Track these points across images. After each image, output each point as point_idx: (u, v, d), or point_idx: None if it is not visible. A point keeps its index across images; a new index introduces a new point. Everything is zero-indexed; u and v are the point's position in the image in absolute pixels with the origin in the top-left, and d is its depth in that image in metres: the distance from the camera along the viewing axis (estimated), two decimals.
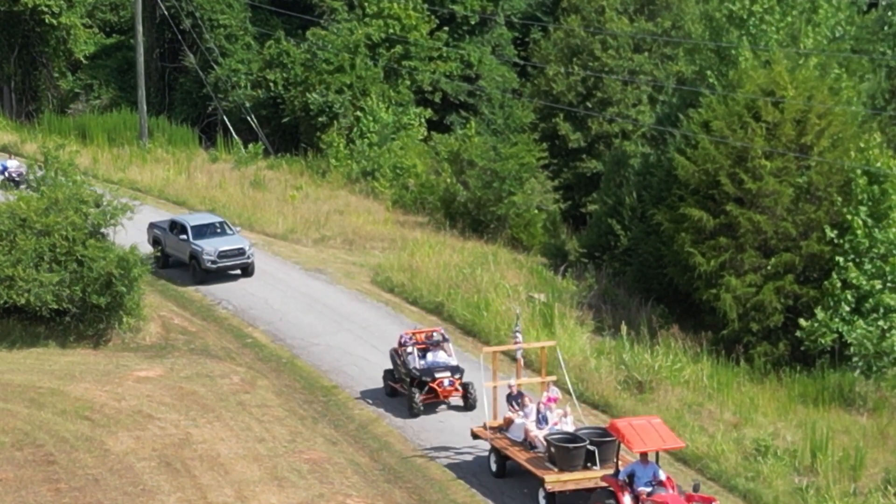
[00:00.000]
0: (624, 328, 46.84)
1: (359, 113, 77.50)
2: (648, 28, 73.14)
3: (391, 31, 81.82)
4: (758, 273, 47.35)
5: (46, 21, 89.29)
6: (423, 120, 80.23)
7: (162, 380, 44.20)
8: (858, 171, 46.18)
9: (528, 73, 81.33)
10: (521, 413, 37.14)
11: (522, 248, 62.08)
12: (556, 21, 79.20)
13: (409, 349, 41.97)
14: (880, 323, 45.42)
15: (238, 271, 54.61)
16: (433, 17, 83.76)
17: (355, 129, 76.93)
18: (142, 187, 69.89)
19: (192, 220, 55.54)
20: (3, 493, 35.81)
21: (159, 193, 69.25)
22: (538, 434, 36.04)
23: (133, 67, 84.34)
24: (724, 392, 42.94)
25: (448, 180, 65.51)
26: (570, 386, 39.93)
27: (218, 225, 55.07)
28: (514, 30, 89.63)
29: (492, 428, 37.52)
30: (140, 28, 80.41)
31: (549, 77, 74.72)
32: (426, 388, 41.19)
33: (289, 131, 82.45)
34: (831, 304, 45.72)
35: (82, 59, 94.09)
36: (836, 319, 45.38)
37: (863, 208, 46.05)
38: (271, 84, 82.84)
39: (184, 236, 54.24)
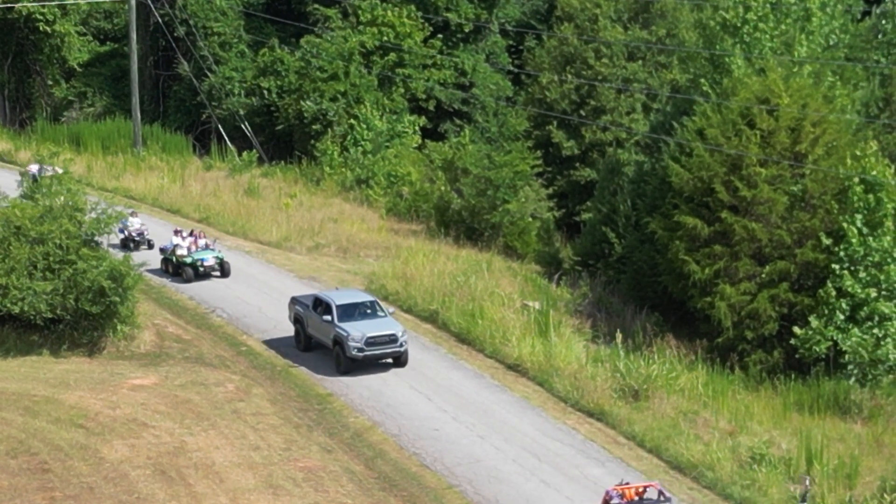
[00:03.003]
0: (619, 336, 46.87)
1: (353, 121, 77.52)
2: (643, 36, 73.24)
3: (385, 38, 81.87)
4: (752, 281, 47.40)
5: (40, 29, 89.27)
6: (417, 128, 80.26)
7: (156, 388, 44.14)
8: (855, 180, 46.25)
9: (522, 81, 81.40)
10: None
11: (517, 256, 62.10)
12: (550, 29, 79.24)
13: None
14: (875, 331, 45.48)
15: (389, 360, 46.48)
16: (427, 24, 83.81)
17: (349, 137, 76.94)
18: (136, 195, 69.89)
19: (338, 297, 47.18)
20: None
21: (153, 201, 69.23)
22: None
23: (127, 75, 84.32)
24: (719, 400, 42.98)
25: (442, 188, 65.54)
26: None
27: (368, 305, 47.06)
28: (508, 38, 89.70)
29: None
30: (134, 36, 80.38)
31: (543, 85, 74.76)
32: None
33: (283, 139, 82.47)
34: (826, 312, 45.76)
35: (76, 66, 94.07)
36: (831, 327, 45.43)
37: (858, 216, 46.11)
38: (265, 92, 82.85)
39: (328, 317, 46.13)
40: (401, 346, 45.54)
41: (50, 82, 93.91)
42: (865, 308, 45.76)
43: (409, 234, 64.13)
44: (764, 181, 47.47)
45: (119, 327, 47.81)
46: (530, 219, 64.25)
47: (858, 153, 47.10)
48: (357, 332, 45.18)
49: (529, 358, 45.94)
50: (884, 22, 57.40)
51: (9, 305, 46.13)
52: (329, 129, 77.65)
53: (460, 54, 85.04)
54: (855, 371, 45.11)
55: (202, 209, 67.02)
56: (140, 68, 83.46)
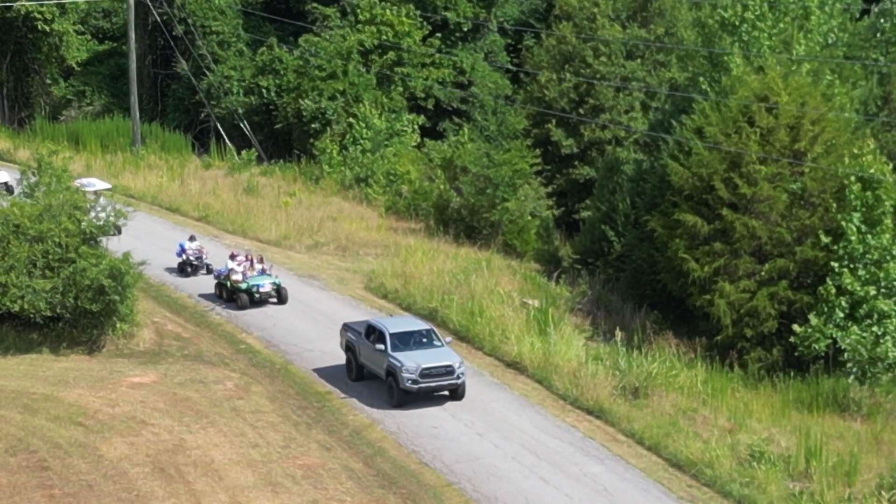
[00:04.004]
0: (618, 334, 46.88)
1: (351, 119, 77.53)
2: (641, 35, 73.26)
3: (384, 37, 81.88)
4: (752, 279, 47.40)
5: (39, 27, 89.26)
6: (415, 126, 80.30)
7: (156, 386, 44.14)
8: (852, 178, 46.24)
9: (520, 79, 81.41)
10: None
11: (516, 255, 62.09)
12: (548, 28, 79.25)
13: None
14: (874, 329, 45.49)
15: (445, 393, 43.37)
16: (426, 23, 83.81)
17: (348, 136, 76.96)
18: (135, 194, 69.88)
19: (391, 325, 44.30)
20: None
21: (153, 200, 69.23)
22: None
23: (125, 74, 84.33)
24: (718, 398, 43.00)
25: (441, 187, 65.53)
26: None
27: (424, 333, 44.15)
28: (506, 36, 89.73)
29: None
30: (132, 35, 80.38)
31: (541, 83, 74.79)
32: None
33: (282, 138, 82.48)
34: (825, 309, 45.76)
35: (75, 65, 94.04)
36: (830, 325, 45.43)
37: (856, 214, 46.12)
38: (264, 90, 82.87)
39: (381, 346, 43.10)
40: (458, 378, 42.47)
41: (49, 81, 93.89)
42: (864, 306, 45.77)
43: (409, 232, 64.14)
44: (763, 179, 47.47)
45: (118, 325, 47.84)
46: (529, 217, 64.24)
47: (856, 151, 47.12)
48: (411, 362, 42.15)
49: (528, 356, 45.95)
50: (882, 20, 57.46)
51: (8, 304, 46.15)
52: (328, 128, 77.68)
53: (459, 53, 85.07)
54: (854, 369, 45.12)
55: (201, 208, 67.05)
56: (139, 67, 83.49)
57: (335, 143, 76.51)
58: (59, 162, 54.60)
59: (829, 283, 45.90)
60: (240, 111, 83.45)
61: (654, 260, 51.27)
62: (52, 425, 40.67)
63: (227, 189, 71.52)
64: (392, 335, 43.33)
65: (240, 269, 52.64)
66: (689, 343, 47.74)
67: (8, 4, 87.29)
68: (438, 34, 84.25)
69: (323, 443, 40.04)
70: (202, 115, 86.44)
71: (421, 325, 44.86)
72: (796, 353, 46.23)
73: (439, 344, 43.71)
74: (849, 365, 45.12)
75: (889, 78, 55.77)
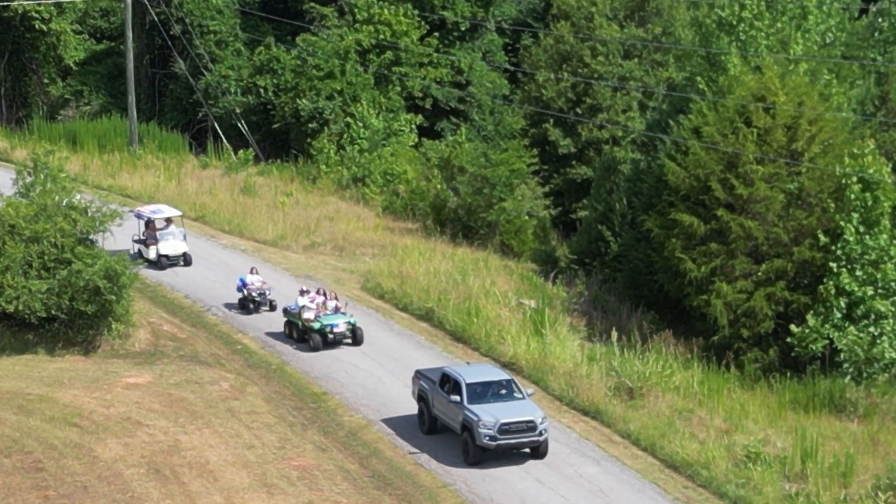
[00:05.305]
0: (614, 334, 46.80)
1: (349, 119, 77.39)
2: (638, 34, 73.14)
3: (381, 37, 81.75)
4: (749, 279, 47.33)
5: (36, 27, 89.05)
6: (413, 126, 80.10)
7: (151, 386, 44.08)
8: (854, 178, 46.15)
9: (518, 79, 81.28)
10: None
11: (513, 255, 62.02)
12: (546, 27, 79.12)
13: None
14: (871, 329, 45.40)
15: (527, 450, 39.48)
16: (423, 23, 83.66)
17: (345, 136, 76.80)
18: (132, 193, 69.78)
19: (468, 374, 40.31)
20: None
21: (149, 200, 68.95)
22: None
23: (123, 73, 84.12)
24: (714, 398, 42.97)
25: (438, 186, 65.46)
26: None
27: (504, 384, 40.26)
28: (504, 36, 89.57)
29: None
30: (130, 34, 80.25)
31: (539, 83, 74.65)
32: None
33: (279, 137, 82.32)
34: (823, 310, 45.68)
35: (72, 65, 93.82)
36: (827, 326, 45.35)
37: (855, 215, 46.03)
38: (261, 90, 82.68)
39: (456, 397, 39.30)
40: (540, 434, 38.64)
41: (46, 81, 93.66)
42: (862, 306, 45.69)
43: (406, 232, 64.05)
44: (760, 179, 47.40)
45: (114, 326, 47.78)
46: (526, 217, 64.16)
47: (856, 151, 47.02)
48: (489, 416, 38.39)
49: (525, 356, 45.91)
50: (880, 20, 57.35)
51: (4, 304, 46.10)
52: (325, 128, 77.52)
53: (457, 52, 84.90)
54: (850, 369, 45.04)
55: (198, 207, 66.95)
56: (136, 67, 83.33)
57: (332, 143, 76.36)
58: (55, 162, 54.54)
59: (830, 283, 45.78)
60: (237, 111, 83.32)
61: (651, 260, 51.20)
62: (47, 426, 40.63)
63: (223, 189, 71.44)
64: (468, 385, 39.58)
65: (313, 306, 48.71)
66: (686, 343, 47.66)
67: (5, 4, 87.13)
68: (436, 34, 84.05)
69: (318, 444, 40.01)
70: (199, 114, 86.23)
71: (501, 375, 41.08)
72: (793, 354, 46.17)
73: (520, 396, 39.96)
74: (845, 365, 45.04)
75: (887, 77, 55.68)
